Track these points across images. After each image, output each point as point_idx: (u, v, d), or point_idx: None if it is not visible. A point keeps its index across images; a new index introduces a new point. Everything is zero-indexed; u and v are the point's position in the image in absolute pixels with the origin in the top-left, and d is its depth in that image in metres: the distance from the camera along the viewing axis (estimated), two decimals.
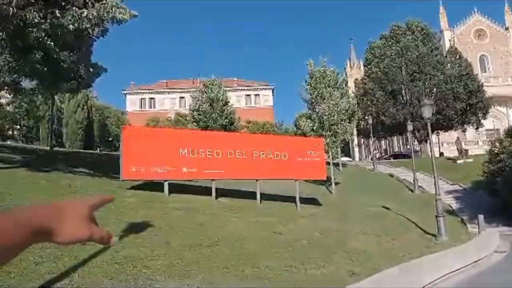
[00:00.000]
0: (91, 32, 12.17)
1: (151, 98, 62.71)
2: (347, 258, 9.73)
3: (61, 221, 0.63)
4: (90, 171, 14.64)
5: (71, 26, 10.92)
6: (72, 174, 13.23)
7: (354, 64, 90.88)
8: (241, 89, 60.75)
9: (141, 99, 62.72)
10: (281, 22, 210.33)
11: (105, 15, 11.23)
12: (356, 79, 62.22)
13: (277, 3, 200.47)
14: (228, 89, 51.82)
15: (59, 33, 11.22)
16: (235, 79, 62.85)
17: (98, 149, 40.78)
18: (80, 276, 5.94)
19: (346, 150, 74.61)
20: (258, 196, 13.69)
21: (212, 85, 31.94)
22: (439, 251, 10.70)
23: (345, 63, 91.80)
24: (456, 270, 10.13)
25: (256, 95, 61.38)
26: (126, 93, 62.71)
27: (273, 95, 62.32)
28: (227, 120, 30.60)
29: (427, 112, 15.31)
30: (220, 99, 31.26)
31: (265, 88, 61.65)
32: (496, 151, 20.79)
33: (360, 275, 8.12)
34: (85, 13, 10.94)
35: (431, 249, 11.56)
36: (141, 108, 61.66)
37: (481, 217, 14.98)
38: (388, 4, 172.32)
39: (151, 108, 61.31)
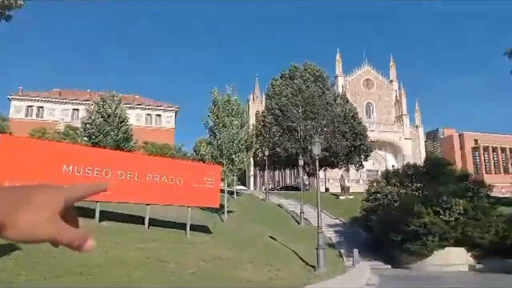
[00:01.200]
0: None
1: (40, 107, 57.25)
2: None
3: (19, 212, 0.47)
4: None
5: None
6: None
7: (257, 97, 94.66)
8: (143, 108, 58.85)
9: (28, 106, 56.88)
10: (194, 48, 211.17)
11: None
12: (258, 112, 64.76)
13: (189, 31, 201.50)
14: (128, 106, 49.90)
15: None
16: (137, 96, 60.76)
17: None
18: None
19: (242, 179, 76.12)
20: (147, 221, 13.20)
21: (111, 99, 30.44)
22: (317, 283, 11.33)
23: (249, 95, 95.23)
24: None
25: (158, 115, 59.87)
26: (11, 99, 56.52)
27: (175, 117, 61.47)
28: (122, 137, 29.17)
29: (316, 149, 16.46)
30: (118, 115, 29.86)
31: (168, 110, 60.55)
32: (373, 191, 23.07)
33: None
34: None
35: (310, 280, 12.18)
36: (27, 116, 55.83)
37: (356, 251, 16.30)
38: (295, 47, 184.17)
39: (38, 117, 55.87)
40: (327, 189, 45.81)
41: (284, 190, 48.10)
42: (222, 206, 20.18)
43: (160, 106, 60.41)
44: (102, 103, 30.16)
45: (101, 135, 28.20)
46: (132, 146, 30.51)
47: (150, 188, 13.30)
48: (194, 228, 14.98)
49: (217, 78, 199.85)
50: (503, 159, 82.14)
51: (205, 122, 23.60)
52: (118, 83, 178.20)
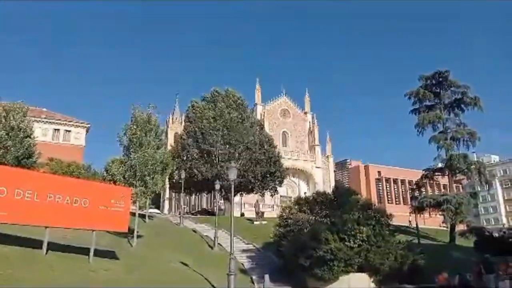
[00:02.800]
0: None
1: None
2: None
3: None
4: None
5: None
6: None
7: (176, 118, 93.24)
8: (50, 122, 54.73)
9: None
10: (113, 64, 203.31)
11: None
12: (176, 133, 63.73)
13: (112, 47, 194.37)
14: (35, 119, 46.11)
15: None
16: (44, 109, 56.44)
17: None
18: None
19: (157, 202, 73.69)
20: (45, 246, 12.10)
21: (15, 111, 27.80)
22: None
23: (169, 115, 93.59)
24: None
25: (67, 131, 55.92)
26: None
27: (86, 134, 58.02)
28: (23, 153, 26.62)
29: (232, 175, 16.60)
30: (22, 129, 27.32)
31: (79, 126, 56.97)
32: (285, 216, 23.65)
33: None
34: None
35: None
36: None
37: (266, 277, 16.49)
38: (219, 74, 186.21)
39: None
40: (242, 214, 46.07)
41: (200, 214, 47.39)
42: (132, 230, 19.28)
43: (69, 120, 56.69)
44: (4, 115, 27.45)
45: (1, 151, 25.52)
46: (34, 162, 27.99)
47: (51, 209, 12.30)
48: (99, 253, 14.07)
49: (137, 97, 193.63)
50: (403, 190, 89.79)
51: (120, 139, 22.55)
52: (25, 95, 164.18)
